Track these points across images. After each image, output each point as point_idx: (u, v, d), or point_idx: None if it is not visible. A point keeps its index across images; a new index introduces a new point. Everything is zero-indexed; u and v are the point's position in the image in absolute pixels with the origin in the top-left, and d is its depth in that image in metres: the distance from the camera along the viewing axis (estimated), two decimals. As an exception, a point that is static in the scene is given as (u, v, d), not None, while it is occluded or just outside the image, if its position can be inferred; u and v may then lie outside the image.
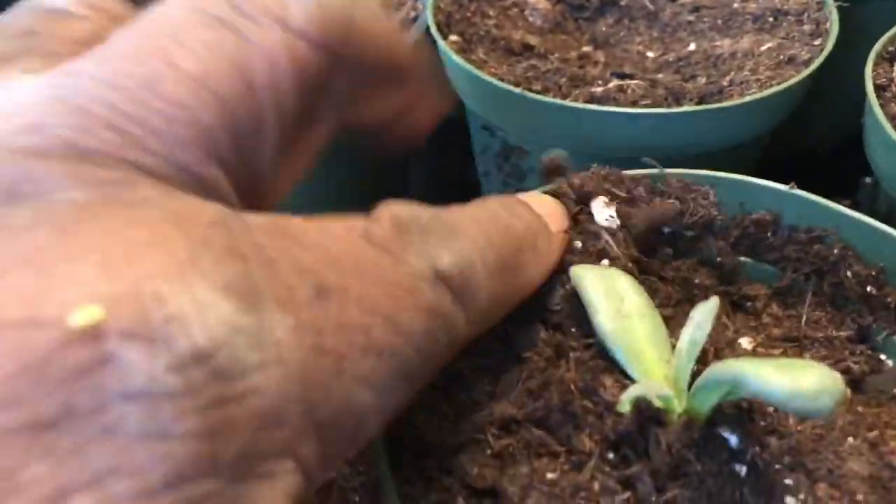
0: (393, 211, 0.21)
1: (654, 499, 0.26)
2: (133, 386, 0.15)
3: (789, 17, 0.55)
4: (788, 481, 0.27)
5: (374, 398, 0.19)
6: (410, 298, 0.20)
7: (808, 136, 0.60)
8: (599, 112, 0.44)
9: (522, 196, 0.28)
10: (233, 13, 0.20)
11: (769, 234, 0.35)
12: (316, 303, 0.18)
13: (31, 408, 0.15)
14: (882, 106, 0.44)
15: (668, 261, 0.34)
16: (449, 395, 0.29)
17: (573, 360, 0.29)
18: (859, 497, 0.27)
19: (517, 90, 0.45)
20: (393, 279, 0.20)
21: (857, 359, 0.32)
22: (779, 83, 0.46)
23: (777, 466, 0.27)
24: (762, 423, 0.28)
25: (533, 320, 0.31)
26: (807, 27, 0.53)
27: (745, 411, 0.28)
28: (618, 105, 0.45)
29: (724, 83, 0.48)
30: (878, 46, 0.48)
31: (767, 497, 0.26)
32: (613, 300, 0.30)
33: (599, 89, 0.47)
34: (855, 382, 0.32)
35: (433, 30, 0.52)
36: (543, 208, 0.28)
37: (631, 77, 0.50)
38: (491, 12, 0.58)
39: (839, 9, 0.53)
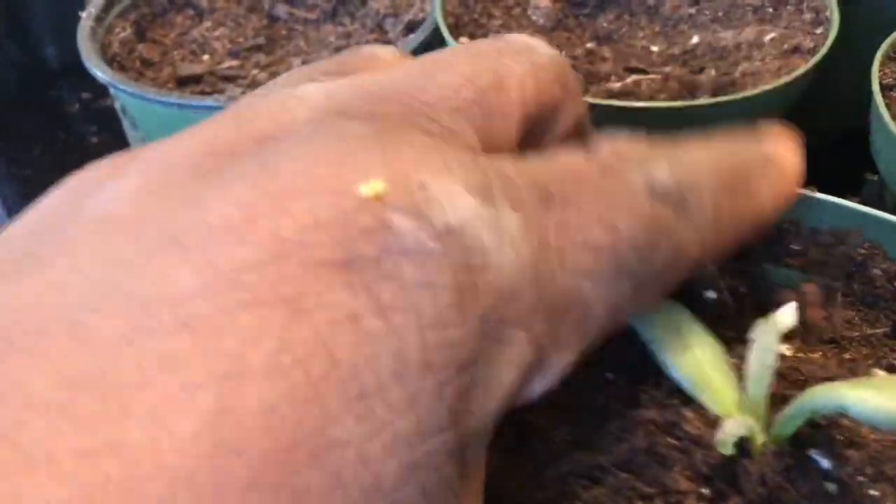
0: (614, 142, 0.26)
1: None
2: (406, 245, 0.20)
3: (788, 7, 0.56)
4: (874, 492, 0.27)
5: (595, 288, 0.23)
6: (627, 205, 0.24)
7: (809, 131, 0.62)
8: (626, 108, 0.45)
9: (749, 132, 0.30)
10: (497, 47, 0.28)
11: (791, 241, 0.36)
12: (541, 206, 0.22)
13: (333, 249, 0.19)
14: (888, 106, 0.45)
15: None
16: (522, 447, 0.29)
17: (648, 399, 0.30)
18: None
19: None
20: (611, 189, 0.24)
21: None
22: (789, 71, 0.48)
23: (861, 479, 0.27)
24: (840, 438, 0.28)
25: (598, 366, 0.31)
26: (807, 16, 0.55)
27: (825, 428, 0.28)
28: (637, 99, 0.46)
29: (736, 74, 0.49)
30: (884, 46, 0.49)
31: None
32: (673, 332, 0.30)
33: (616, 85, 0.48)
34: None
35: (445, 32, 0.54)
36: (776, 145, 0.30)
37: (643, 72, 0.51)
38: (496, 13, 0.59)
39: (836, -3, 0.55)
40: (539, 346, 0.22)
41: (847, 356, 0.33)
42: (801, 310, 0.34)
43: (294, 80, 0.27)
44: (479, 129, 0.25)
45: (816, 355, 0.33)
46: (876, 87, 0.46)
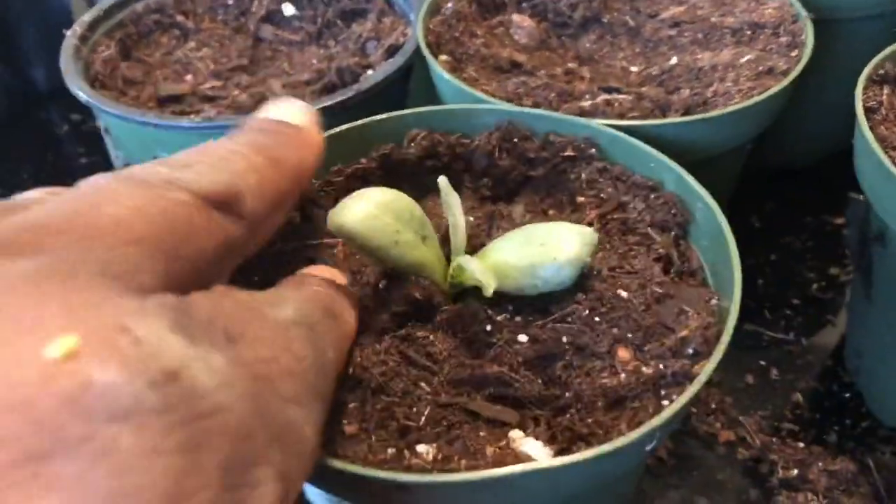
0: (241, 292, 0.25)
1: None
2: (119, 406, 0.16)
3: (766, 30, 0.56)
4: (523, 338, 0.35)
5: (302, 412, 0.22)
6: (284, 338, 0.24)
7: (794, 151, 0.62)
8: (589, 126, 0.45)
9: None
10: (151, 181, 0.24)
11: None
12: (231, 345, 0.20)
13: (24, 442, 0.15)
14: (872, 129, 0.45)
15: None
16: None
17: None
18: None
19: (508, 105, 0.47)
20: (271, 324, 0.24)
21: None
22: (760, 93, 0.48)
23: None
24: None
25: None
26: (783, 39, 0.55)
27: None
28: (606, 118, 0.47)
29: (708, 94, 0.50)
30: (867, 70, 0.49)
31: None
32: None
33: (588, 103, 0.49)
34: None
35: (425, 51, 0.54)
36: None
37: (618, 91, 0.51)
38: (478, 31, 0.59)
39: (813, 22, 0.55)
40: (284, 478, 0.21)
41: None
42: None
43: None
44: (157, 263, 0.22)
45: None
46: (860, 110, 0.46)
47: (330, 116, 0.52)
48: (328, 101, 0.53)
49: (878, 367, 0.54)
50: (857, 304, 0.56)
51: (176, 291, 0.21)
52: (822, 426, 0.54)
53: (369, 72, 0.58)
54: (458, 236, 0.37)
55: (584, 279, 0.36)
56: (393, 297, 0.36)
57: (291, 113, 0.32)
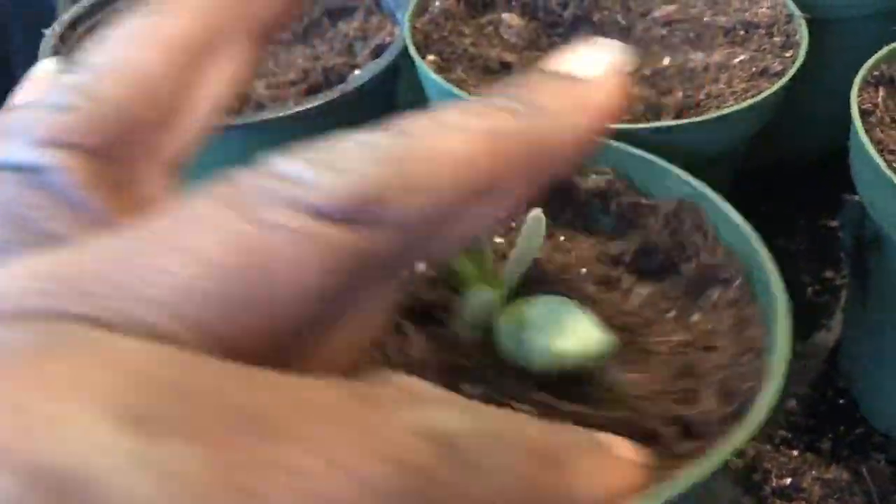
0: (401, 380, 0.18)
1: None
2: None
3: (759, 30, 0.56)
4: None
5: None
6: (383, 449, 0.15)
7: (787, 151, 0.61)
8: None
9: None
10: (245, 197, 0.17)
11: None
12: (244, 438, 0.15)
13: None
14: (867, 132, 0.44)
15: None
16: None
17: None
18: None
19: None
20: (368, 427, 0.16)
21: None
22: (753, 95, 0.47)
23: None
24: None
25: None
26: (777, 39, 0.54)
27: None
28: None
29: (701, 96, 0.49)
30: (862, 71, 0.48)
31: None
32: None
33: (578, 105, 0.48)
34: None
35: (412, 50, 0.53)
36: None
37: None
38: (467, 31, 0.59)
39: (808, 21, 0.54)
40: None
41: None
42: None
43: None
44: (222, 329, 0.16)
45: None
46: (855, 112, 0.45)
47: (315, 117, 0.52)
48: (313, 102, 0.52)
49: (873, 373, 0.53)
50: (852, 308, 0.56)
51: (248, 360, 0.16)
52: (815, 433, 0.53)
53: (356, 72, 0.58)
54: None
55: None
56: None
57: (584, 61, 0.20)
